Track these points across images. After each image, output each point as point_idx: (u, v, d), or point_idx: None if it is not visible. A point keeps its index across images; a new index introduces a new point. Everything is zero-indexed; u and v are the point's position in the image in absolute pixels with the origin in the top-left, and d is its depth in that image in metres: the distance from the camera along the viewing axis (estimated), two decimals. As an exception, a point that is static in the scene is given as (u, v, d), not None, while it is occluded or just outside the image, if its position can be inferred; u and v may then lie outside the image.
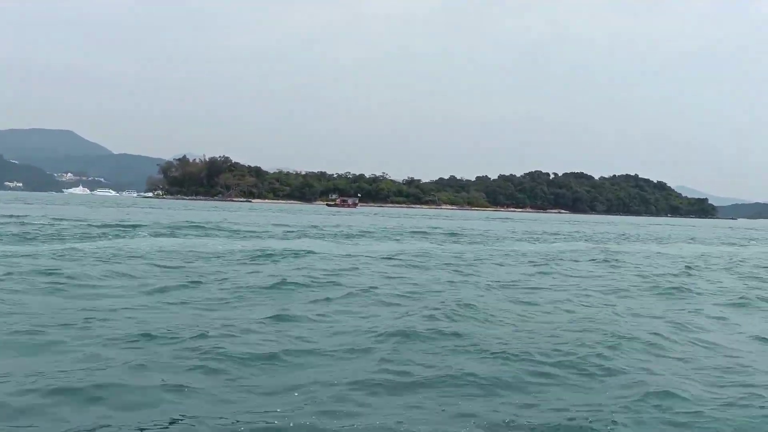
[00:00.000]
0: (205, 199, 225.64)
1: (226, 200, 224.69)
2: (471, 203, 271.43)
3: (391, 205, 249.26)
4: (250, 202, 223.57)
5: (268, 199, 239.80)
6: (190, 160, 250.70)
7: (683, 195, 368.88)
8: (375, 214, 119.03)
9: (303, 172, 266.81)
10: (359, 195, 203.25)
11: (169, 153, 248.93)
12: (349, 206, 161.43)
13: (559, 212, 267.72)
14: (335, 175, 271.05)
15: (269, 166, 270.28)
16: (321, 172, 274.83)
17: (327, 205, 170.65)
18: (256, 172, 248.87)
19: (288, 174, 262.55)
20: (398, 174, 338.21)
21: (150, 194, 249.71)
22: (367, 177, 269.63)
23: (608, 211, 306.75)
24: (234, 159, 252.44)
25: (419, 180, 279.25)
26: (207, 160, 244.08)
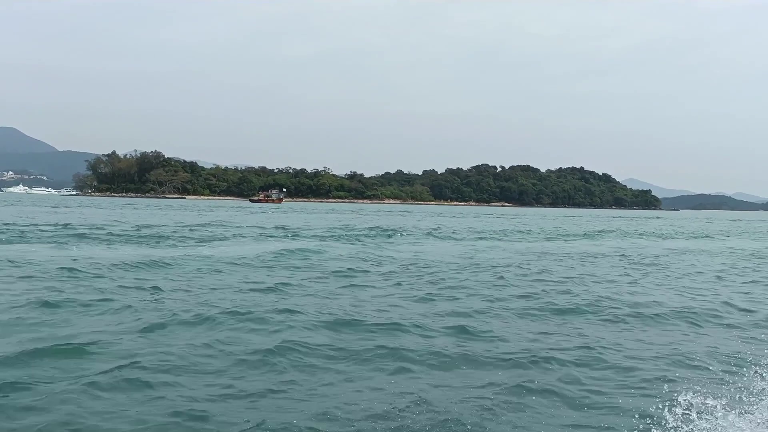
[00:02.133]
0: (136, 197, 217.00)
1: (158, 197, 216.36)
2: (415, 197, 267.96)
3: (332, 200, 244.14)
4: (183, 198, 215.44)
5: (204, 195, 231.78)
6: (122, 156, 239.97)
7: (631, 188, 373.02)
8: (301, 210, 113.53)
9: (242, 168, 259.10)
10: (284, 189, 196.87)
11: (117, 149, 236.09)
12: (273, 201, 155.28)
13: (503, 205, 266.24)
14: (276, 170, 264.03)
15: (218, 161, 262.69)
16: (261, 167, 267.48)
17: (250, 200, 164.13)
18: (191, 167, 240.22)
19: (226, 169, 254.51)
20: (347, 169, 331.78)
21: (74, 192, 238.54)
22: (309, 172, 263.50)
23: (554, 203, 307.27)
24: (181, 155, 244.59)
25: (362, 174, 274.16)
26: (139, 155, 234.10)
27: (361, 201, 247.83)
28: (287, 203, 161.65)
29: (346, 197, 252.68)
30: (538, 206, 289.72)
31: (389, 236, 41.53)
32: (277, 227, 48.58)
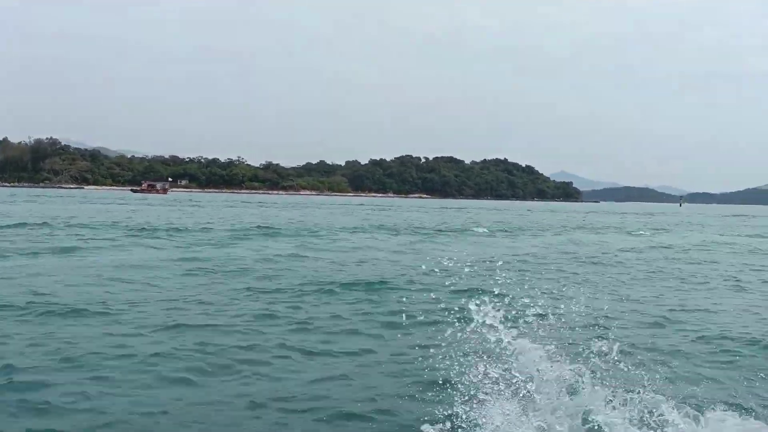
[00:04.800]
0: (29, 186, 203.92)
1: (53, 186, 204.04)
2: (332, 189, 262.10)
3: (246, 191, 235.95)
4: (82, 188, 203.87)
5: (106, 185, 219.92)
6: (15, 143, 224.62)
7: (558, 180, 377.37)
8: (185, 201, 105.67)
9: (149, 156, 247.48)
10: (169, 179, 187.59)
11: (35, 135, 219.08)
12: (158, 192, 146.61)
13: (420, 197, 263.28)
14: (186, 160, 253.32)
15: (150, 152, 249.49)
16: (172, 156, 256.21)
17: (132, 191, 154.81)
18: (92, 156, 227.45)
19: (132, 158, 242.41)
20: (281, 159, 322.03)
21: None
22: (222, 161, 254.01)
23: (476, 195, 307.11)
24: (90, 143, 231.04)
25: (278, 164, 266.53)
26: (33, 142, 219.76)
27: (275, 192, 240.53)
28: (175, 194, 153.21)
29: (260, 188, 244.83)
30: (460, 198, 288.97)
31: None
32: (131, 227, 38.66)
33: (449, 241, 36.08)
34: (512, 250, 30.88)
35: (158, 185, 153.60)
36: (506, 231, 47.00)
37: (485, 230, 46.28)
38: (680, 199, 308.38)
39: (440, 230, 45.46)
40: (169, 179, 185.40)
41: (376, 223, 52.84)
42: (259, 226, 42.07)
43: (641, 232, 50.43)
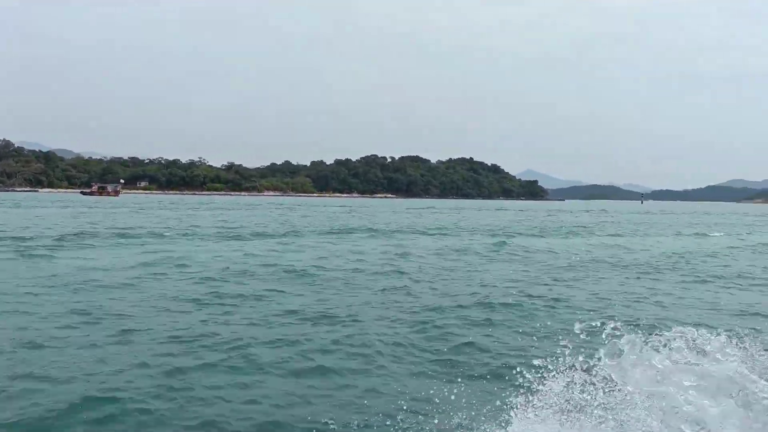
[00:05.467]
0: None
1: (6, 190, 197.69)
2: (296, 189, 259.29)
3: (207, 192, 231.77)
4: (36, 191, 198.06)
5: (62, 187, 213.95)
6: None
7: (520, 179, 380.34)
8: (130, 204, 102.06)
9: (108, 158, 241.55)
10: (122, 181, 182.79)
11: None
12: (109, 194, 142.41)
13: (386, 197, 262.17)
14: (146, 161, 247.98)
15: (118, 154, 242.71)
16: (131, 157, 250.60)
17: (82, 193, 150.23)
18: (46, 157, 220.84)
19: (88, 160, 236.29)
20: (249, 161, 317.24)
21: None
22: (183, 162, 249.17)
23: (442, 194, 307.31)
24: (51, 145, 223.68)
25: (240, 165, 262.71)
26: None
27: (238, 193, 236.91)
28: (128, 196, 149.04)
29: (222, 189, 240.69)
30: (426, 197, 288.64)
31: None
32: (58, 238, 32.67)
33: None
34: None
35: (109, 187, 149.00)
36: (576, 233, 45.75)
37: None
38: (641, 196, 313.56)
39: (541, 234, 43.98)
40: (121, 181, 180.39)
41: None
42: (150, 232, 40.05)
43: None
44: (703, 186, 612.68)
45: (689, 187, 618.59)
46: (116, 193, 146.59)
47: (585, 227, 55.18)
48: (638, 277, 21.05)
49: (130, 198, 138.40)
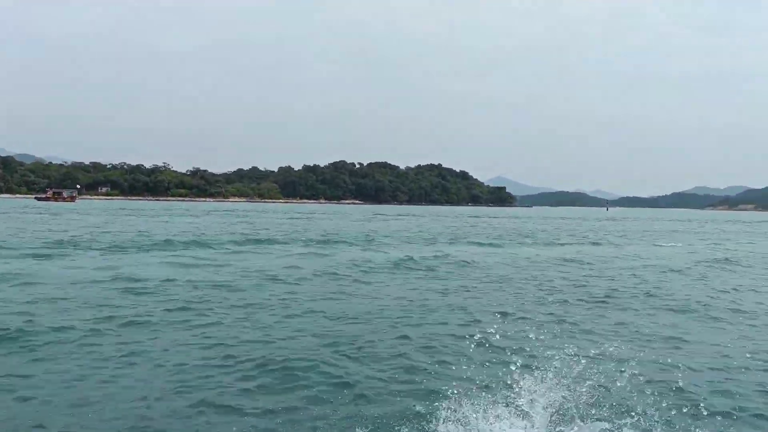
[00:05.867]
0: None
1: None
2: (263, 195, 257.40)
3: (170, 198, 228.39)
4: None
5: (20, 193, 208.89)
6: None
7: (489, 185, 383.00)
8: (81, 210, 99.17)
9: (68, 162, 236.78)
10: (78, 186, 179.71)
11: None
12: (65, 200, 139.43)
13: (353, 203, 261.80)
14: (108, 166, 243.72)
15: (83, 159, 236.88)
16: (93, 162, 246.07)
17: (37, 199, 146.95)
18: (4, 162, 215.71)
19: (48, 165, 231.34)
20: (216, 167, 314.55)
21: None
22: (147, 168, 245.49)
23: (410, 200, 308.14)
24: (12, 150, 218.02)
25: (206, 170, 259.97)
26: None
27: (203, 199, 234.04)
28: (85, 201, 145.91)
29: (186, 195, 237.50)
30: (395, 203, 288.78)
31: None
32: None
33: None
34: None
35: (65, 193, 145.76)
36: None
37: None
38: (606, 203, 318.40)
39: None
40: (77, 186, 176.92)
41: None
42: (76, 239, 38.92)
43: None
44: (668, 192, 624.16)
45: (655, 194, 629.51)
46: (72, 198, 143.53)
47: (523, 234, 55.40)
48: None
49: (91, 204, 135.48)
